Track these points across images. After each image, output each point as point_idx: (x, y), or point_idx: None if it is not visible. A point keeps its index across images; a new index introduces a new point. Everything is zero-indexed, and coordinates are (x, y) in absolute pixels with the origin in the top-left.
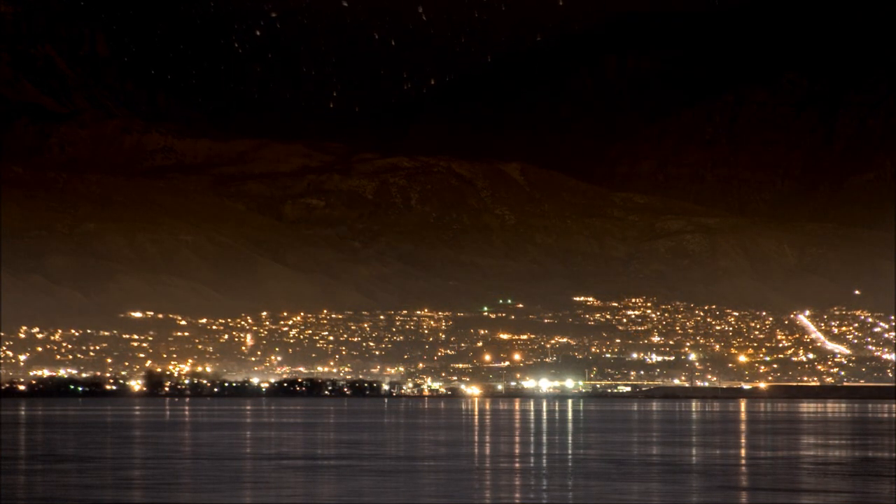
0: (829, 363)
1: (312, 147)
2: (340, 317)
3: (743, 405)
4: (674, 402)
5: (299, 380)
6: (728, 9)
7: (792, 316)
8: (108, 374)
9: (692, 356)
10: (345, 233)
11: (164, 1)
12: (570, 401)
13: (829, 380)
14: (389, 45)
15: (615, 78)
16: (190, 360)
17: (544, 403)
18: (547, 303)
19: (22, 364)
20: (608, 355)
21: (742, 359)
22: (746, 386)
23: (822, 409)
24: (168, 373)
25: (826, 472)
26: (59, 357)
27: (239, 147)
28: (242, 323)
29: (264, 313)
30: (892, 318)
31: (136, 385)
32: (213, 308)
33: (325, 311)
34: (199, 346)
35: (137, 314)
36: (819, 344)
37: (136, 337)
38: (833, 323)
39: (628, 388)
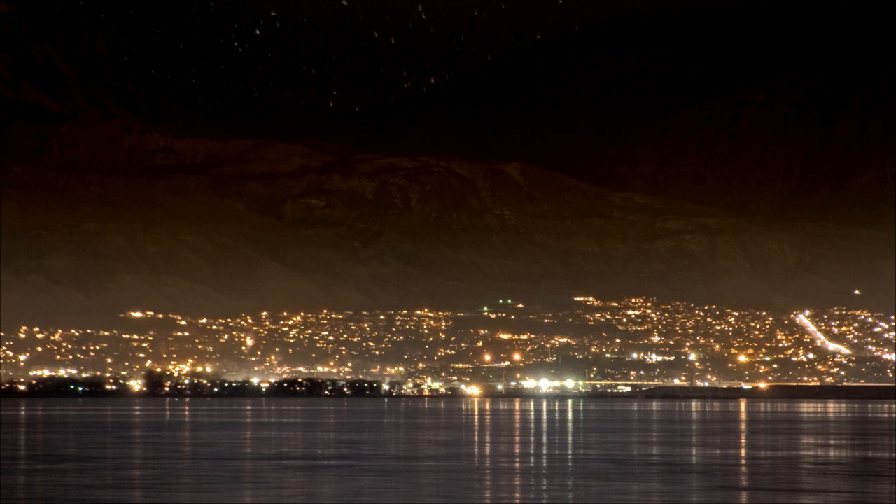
0: (829, 363)
1: (312, 147)
2: (340, 317)
3: (743, 405)
4: (674, 402)
5: (299, 380)
6: (728, 9)
7: (792, 316)
8: (108, 374)
9: (692, 356)
10: (345, 233)
11: (163, 1)
12: (570, 401)
13: (829, 380)
14: (389, 44)
15: (615, 78)
16: (190, 360)
17: (544, 403)
18: (547, 303)
19: (22, 364)
20: (608, 355)
21: (742, 359)
22: (746, 386)
23: (822, 409)
24: (168, 373)
25: (826, 472)
26: (59, 357)
27: (239, 147)
28: (242, 323)
29: (264, 313)
30: (892, 318)
31: (136, 385)
32: (213, 308)
33: (325, 311)
34: (199, 346)
35: (137, 314)
36: (819, 344)
37: (136, 337)
38: (833, 323)
39: (628, 388)
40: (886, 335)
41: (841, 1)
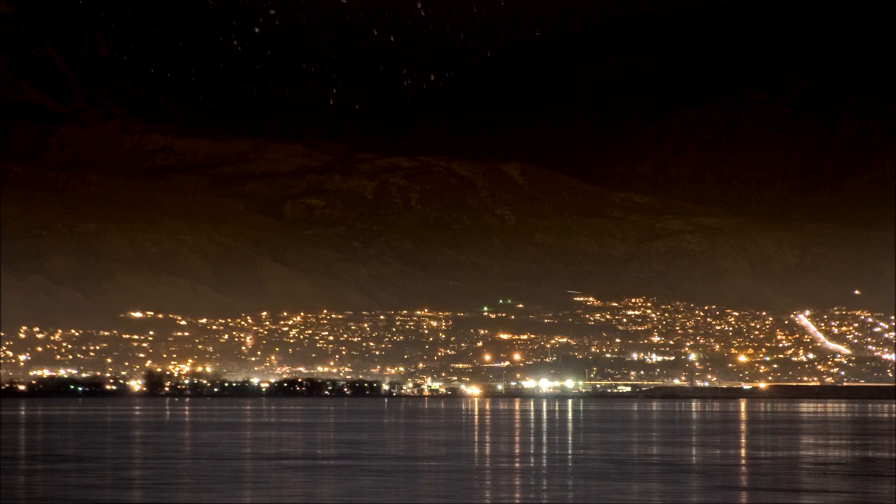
0: (829, 363)
1: (312, 147)
2: (340, 317)
3: (743, 405)
4: (674, 402)
5: (299, 380)
6: (728, 9)
7: (792, 316)
8: (108, 374)
9: (692, 356)
10: (345, 233)
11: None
12: (570, 401)
13: (829, 380)
14: (388, 42)
15: (615, 78)
16: (190, 360)
17: (544, 403)
18: (547, 303)
19: (22, 364)
20: (608, 355)
21: (742, 359)
22: (746, 386)
23: (822, 409)
24: (168, 373)
25: (826, 472)
26: (59, 357)
27: (239, 147)
28: (242, 323)
29: (264, 313)
30: (892, 318)
31: (136, 385)
32: (213, 308)
33: (325, 311)
34: (199, 346)
35: (137, 314)
36: (819, 344)
37: (136, 337)
38: (833, 323)
39: (628, 388)
40: (886, 335)
41: (841, 1)
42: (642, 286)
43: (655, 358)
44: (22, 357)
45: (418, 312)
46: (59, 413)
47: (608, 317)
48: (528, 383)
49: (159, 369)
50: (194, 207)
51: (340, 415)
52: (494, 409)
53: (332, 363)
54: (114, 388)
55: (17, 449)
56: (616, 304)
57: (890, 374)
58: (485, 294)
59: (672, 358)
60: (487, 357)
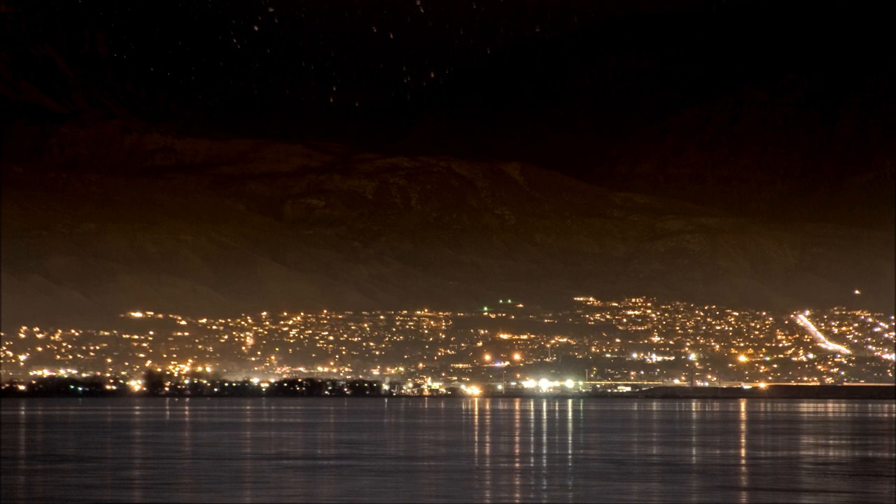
0: (829, 363)
1: (312, 147)
2: (340, 317)
3: (743, 405)
4: (674, 402)
5: (299, 380)
6: (728, 9)
7: (792, 316)
8: (108, 374)
9: (692, 356)
10: (345, 233)
11: None
12: (570, 401)
13: (829, 380)
14: (388, 39)
15: (615, 78)
16: (190, 360)
17: (544, 403)
18: (547, 303)
19: (22, 364)
20: (608, 355)
21: (742, 359)
22: (746, 386)
23: (822, 409)
24: (168, 373)
25: (826, 472)
26: (59, 357)
27: (239, 147)
28: (242, 323)
29: (264, 313)
30: (892, 318)
31: (136, 385)
32: (213, 308)
33: (325, 311)
34: (199, 346)
35: (137, 314)
36: (819, 344)
37: (136, 337)
38: (833, 323)
39: (628, 388)
40: (886, 335)
41: (841, 1)
42: (642, 286)
43: (655, 358)
44: (22, 357)
45: (418, 312)
46: (59, 413)
47: (608, 317)
48: (528, 383)
49: (159, 369)
50: (194, 207)
51: (340, 415)
52: (494, 409)
53: (332, 363)
54: (114, 388)
55: (17, 449)
56: (616, 304)
57: (890, 374)
58: (485, 294)
59: (672, 358)
60: (487, 357)
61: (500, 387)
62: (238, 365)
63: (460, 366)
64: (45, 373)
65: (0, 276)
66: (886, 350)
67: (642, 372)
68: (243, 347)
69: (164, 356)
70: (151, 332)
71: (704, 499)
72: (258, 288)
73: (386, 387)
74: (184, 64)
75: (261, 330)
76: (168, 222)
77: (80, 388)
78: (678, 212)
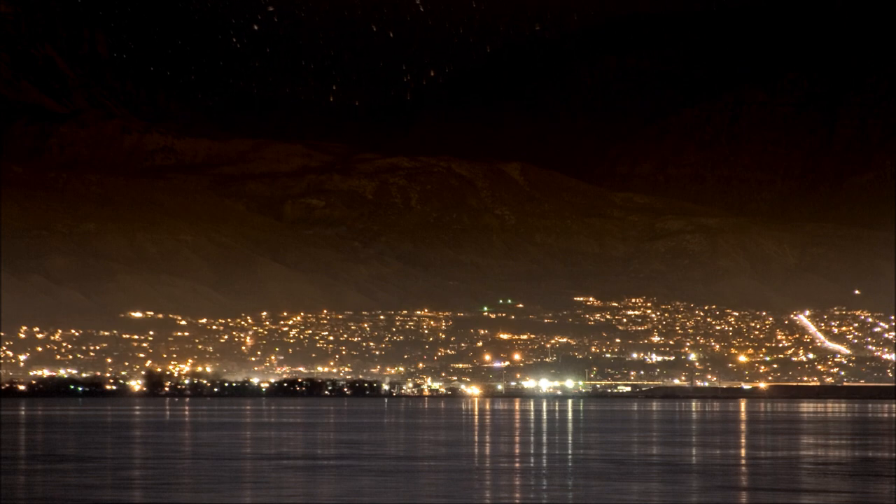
0: (829, 363)
1: (312, 147)
2: (340, 317)
3: (743, 405)
4: (674, 402)
5: (299, 380)
6: (728, 9)
7: (792, 316)
8: (108, 374)
9: (692, 356)
10: (345, 233)
11: None
12: (570, 401)
13: (829, 380)
14: (388, 38)
15: (615, 78)
16: (190, 360)
17: (544, 403)
18: (547, 303)
19: (22, 364)
20: (608, 355)
21: (742, 359)
22: (746, 386)
23: (822, 409)
24: (168, 373)
25: (826, 472)
26: (59, 357)
27: (239, 147)
28: (242, 323)
29: (264, 313)
30: (892, 318)
31: (136, 385)
32: (213, 308)
33: (325, 311)
34: (199, 346)
35: (137, 314)
36: (819, 344)
37: (136, 337)
38: (833, 323)
39: (628, 388)
40: (886, 335)
41: (841, 1)
42: (642, 286)
43: (655, 358)
44: (22, 357)
45: (418, 312)
46: (59, 413)
47: (608, 317)
48: (528, 383)
49: (159, 369)
50: (194, 207)
51: (340, 415)
52: (494, 409)
53: (332, 363)
54: (114, 388)
55: (17, 449)
56: (616, 304)
57: (890, 374)
58: (485, 294)
59: (672, 358)
60: (487, 357)
61: (500, 387)
62: (238, 365)
63: (460, 366)
64: (45, 373)
65: (0, 276)
66: (886, 350)
67: (642, 372)
68: (243, 347)
69: (164, 356)
70: (151, 332)
71: (704, 499)
72: (258, 288)
73: (386, 387)
74: (184, 64)
75: (261, 330)
76: (168, 222)
77: (80, 388)
78: (678, 212)
